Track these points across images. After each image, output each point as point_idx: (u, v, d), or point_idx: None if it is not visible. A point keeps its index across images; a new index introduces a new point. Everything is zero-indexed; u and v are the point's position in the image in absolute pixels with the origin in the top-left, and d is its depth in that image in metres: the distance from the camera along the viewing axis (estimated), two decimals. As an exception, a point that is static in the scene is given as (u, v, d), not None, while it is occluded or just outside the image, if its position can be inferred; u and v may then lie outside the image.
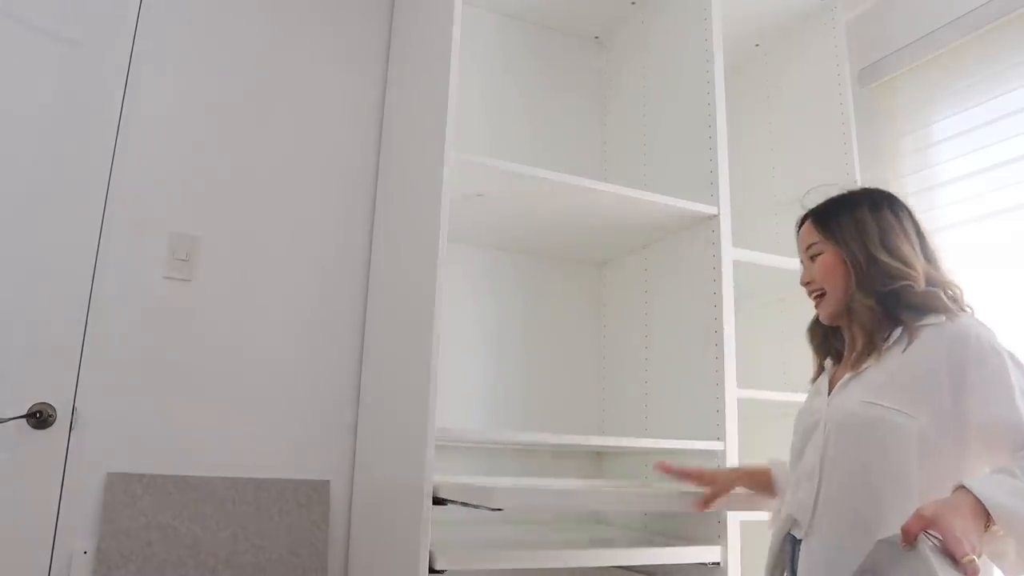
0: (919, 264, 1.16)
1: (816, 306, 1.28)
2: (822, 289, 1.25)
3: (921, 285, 1.14)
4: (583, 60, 2.41)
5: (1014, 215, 1.77)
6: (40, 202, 1.61)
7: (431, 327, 1.44)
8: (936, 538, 0.87)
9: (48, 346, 1.61)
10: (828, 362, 1.32)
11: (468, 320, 2.03)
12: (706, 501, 1.37)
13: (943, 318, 1.11)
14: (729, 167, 1.82)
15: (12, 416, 1.52)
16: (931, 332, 1.10)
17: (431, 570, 1.32)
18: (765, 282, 1.98)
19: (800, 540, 1.18)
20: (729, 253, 1.76)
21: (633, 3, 2.24)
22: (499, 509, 1.22)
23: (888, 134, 2.14)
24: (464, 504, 1.30)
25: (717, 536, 1.60)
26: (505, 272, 2.12)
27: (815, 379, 1.33)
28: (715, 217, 1.78)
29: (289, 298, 1.90)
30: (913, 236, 1.20)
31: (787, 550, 1.22)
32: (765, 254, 1.83)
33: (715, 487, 1.38)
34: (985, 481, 0.95)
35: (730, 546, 1.58)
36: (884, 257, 1.16)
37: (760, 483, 1.39)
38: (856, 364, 1.18)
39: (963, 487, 0.93)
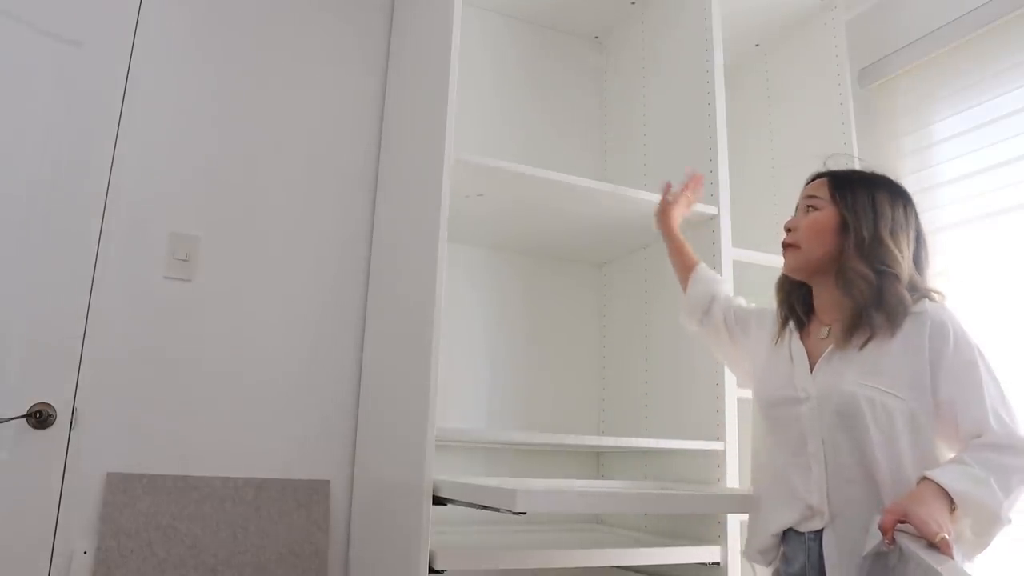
0: (907, 264, 1.22)
1: (784, 254, 1.31)
2: (796, 242, 1.27)
3: (904, 282, 1.19)
4: (583, 60, 2.41)
5: (1014, 215, 1.77)
6: (40, 202, 1.61)
7: (431, 327, 1.44)
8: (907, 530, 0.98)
9: (48, 346, 1.60)
10: (791, 327, 1.33)
11: (468, 320, 2.03)
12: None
13: (924, 306, 1.17)
14: (729, 167, 1.82)
15: (12, 416, 1.52)
16: (912, 320, 1.17)
17: (431, 570, 1.32)
18: (765, 282, 1.97)
19: (803, 533, 1.18)
20: (729, 253, 1.77)
21: (633, 3, 2.24)
22: (522, 512, 1.17)
23: (888, 134, 2.14)
24: (483, 507, 1.26)
25: (717, 536, 1.60)
26: (505, 272, 2.12)
27: (777, 338, 1.34)
28: (715, 217, 1.78)
29: (289, 298, 1.90)
30: (912, 239, 1.25)
31: (801, 545, 1.19)
32: (765, 254, 1.83)
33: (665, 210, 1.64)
34: (945, 471, 1.05)
35: (730, 546, 1.58)
36: (888, 242, 1.20)
37: (681, 261, 1.59)
38: (843, 339, 1.19)
39: (926, 478, 1.04)
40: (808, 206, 1.29)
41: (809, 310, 1.33)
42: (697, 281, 1.54)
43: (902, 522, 0.98)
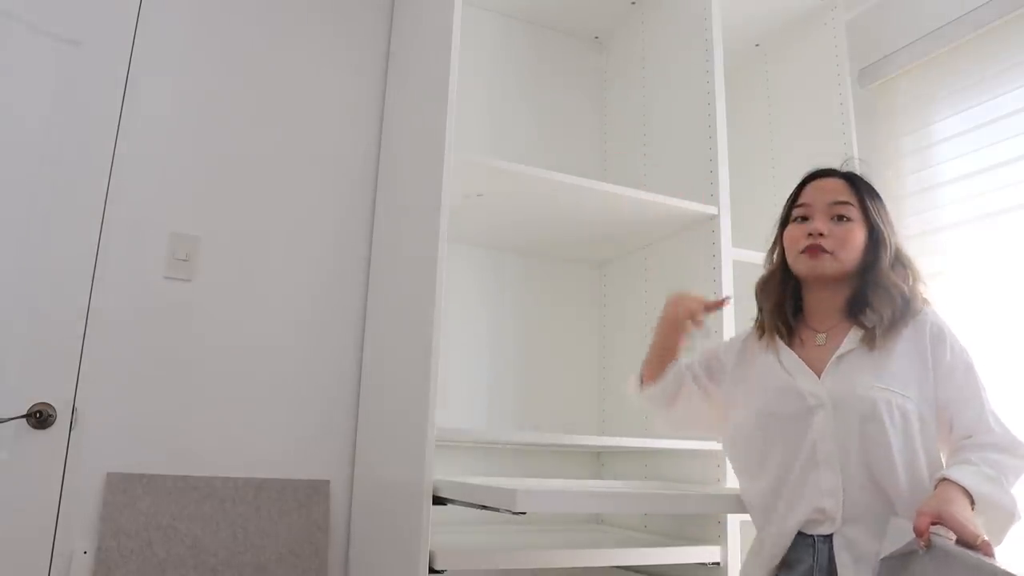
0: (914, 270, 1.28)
1: (811, 257, 1.24)
2: (828, 249, 1.23)
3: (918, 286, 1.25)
4: (583, 60, 2.41)
5: (1014, 215, 1.77)
6: (40, 202, 1.61)
7: (431, 327, 1.44)
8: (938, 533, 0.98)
9: (48, 346, 1.60)
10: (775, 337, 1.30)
11: (468, 320, 2.03)
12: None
13: (924, 312, 1.22)
14: (729, 167, 1.82)
15: (12, 416, 1.52)
16: (915, 324, 1.21)
17: (431, 570, 1.32)
18: (765, 282, 1.98)
19: (816, 536, 1.16)
20: (729, 253, 1.77)
21: (633, 3, 2.24)
22: (522, 512, 1.17)
23: (888, 134, 2.14)
24: (483, 507, 1.26)
25: (717, 536, 1.60)
26: (505, 272, 2.12)
27: (760, 347, 1.31)
28: (715, 217, 1.78)
29: (289, 298, 1.90)
30: None
31: (808, 549, 1.17)
32: (765, 254, 1.82)
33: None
34: (961, 471, 1.06)
35: (730, 546, 1.58)
36: (904, 251, 1.27)
37: (660, 358, 1.41)
38: (883, 340, 1.18)
39: (946, 479, 1.05)
40: (839, 215, 1.24)
41: (797, 315, 1.32)
42: (674, 374, 1.41)
43: (934, 523, 0.98)
